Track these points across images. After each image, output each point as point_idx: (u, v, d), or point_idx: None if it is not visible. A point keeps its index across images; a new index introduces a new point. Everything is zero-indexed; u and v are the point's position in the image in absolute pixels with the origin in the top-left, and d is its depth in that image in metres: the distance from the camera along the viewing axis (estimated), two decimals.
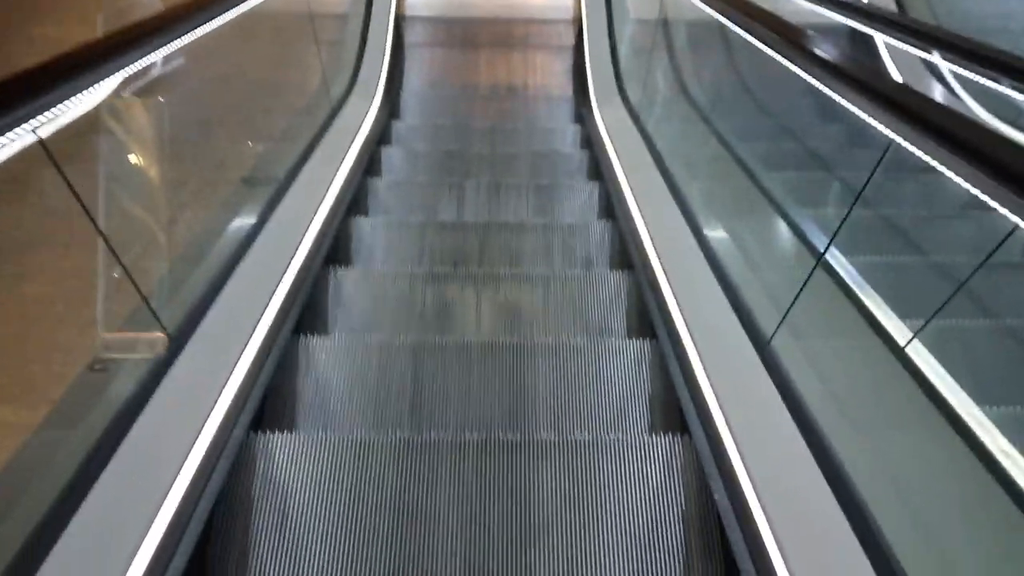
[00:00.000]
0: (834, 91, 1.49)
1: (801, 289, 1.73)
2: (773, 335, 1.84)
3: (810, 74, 1.59)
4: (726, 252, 2.38)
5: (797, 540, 1.51)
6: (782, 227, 2.37)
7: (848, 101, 1.42)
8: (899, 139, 1.23)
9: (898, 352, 1.59)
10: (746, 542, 1.61)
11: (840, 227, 1.65)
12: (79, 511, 1.44)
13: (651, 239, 2.75)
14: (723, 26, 2.38)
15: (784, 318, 1.75)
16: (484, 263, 3.12)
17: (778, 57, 1.79)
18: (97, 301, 1.80)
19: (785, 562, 1.46)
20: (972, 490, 1.36)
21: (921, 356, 1.55)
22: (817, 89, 1.54)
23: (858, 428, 1.62)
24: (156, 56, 1.78)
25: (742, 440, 1.74)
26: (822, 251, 1.83)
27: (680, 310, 2.30)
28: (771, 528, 1.55)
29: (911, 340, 1.53)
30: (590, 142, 4.28)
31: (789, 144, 3.25)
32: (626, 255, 2.97)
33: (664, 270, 2.54)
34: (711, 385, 1.95)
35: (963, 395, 1.45)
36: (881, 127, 1.30)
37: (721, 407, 1.87)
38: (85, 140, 1.90)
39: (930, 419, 1.55)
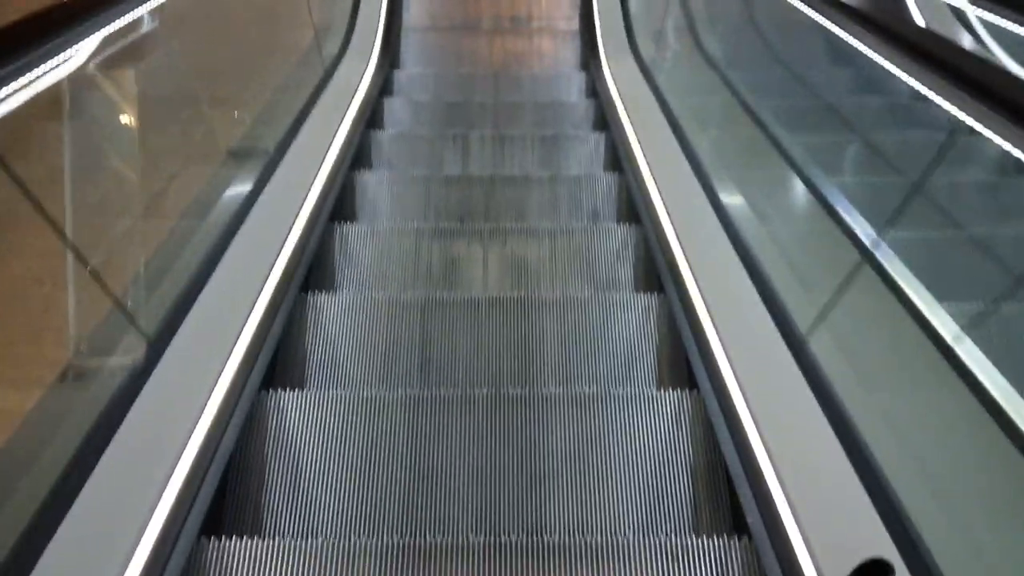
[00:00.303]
0: (857, 38, 1.44)
1: (844, 280, 1.68)
2: (814, 327, 1.80)
3: (829, 19, 1.54)
4: (751, 219, 2.30)
5: (805, 493, 1.52)
6: (801, 187, 2.31)
7: (872, 49, 1.38)
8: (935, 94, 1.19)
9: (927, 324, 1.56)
10: (753, 494, 1.63)
11: (890, 218, 1.59)
12: (93, 473, 1.45)
13: (665, 208, 2.67)
14: None
15: (825, 310, 1.71)
16: (490, 217, 3.10)
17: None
18: (69, 295, 1.70)
19: (793, 515, 1.48)
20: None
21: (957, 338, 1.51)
22: (848, 42, 1.49)
23: (873, 390, 1.62)
24: (130, 18, 1.66)
25: (751, 395, 1.74)
26: (846, 221, 1.77)
27: (692, 273, 2.27)
28: (779, 480, 1.56)
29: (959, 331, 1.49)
30: (602, 112, 4.01)
31: (814, 103, 3.12)
32: (634, 210, 2.94)
33: (675, 230, 2.50)
34: (720, 340, 1.95)
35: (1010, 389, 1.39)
36: (906, 76, 1.26)
37: (730, 362, 1.87)
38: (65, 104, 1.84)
39: (942, 373, 1.54)
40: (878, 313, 1.70)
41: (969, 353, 1.53)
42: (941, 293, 1.61)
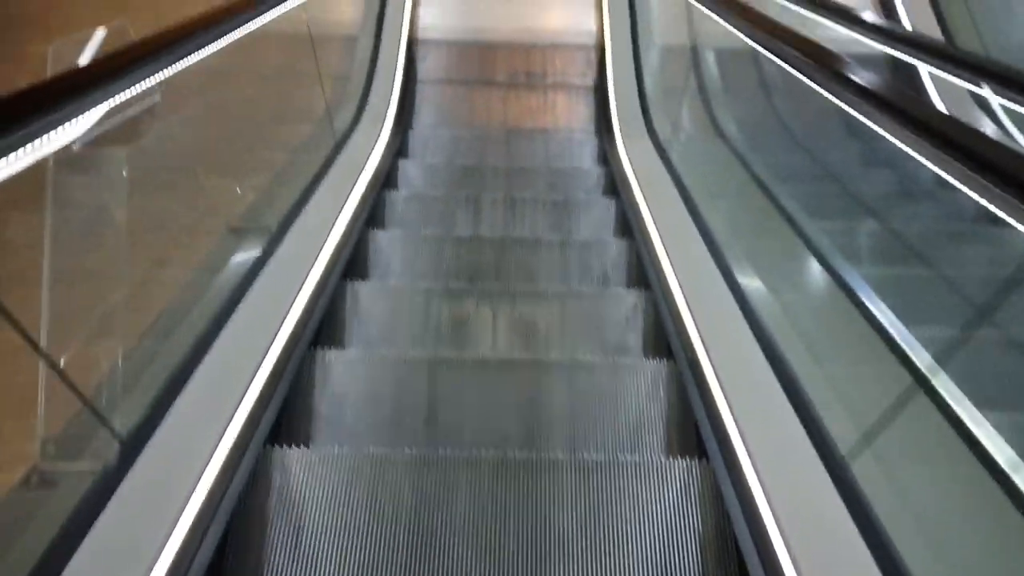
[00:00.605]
0: (889, 132, 1.44)
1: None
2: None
3: (854, 107, 1.56)
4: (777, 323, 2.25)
5: (815, 566, 1.49)
6: (815, 265, 2.30)
7: (903, 142, 1.38)
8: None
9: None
10: (763, 565, 1.60)
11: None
12: (93, 528, 1.44)
13: (676, 278, 2.65)
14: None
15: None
16: (500, 279, 3.12)
17: (823, 90, 1.74)
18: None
19: None
20: None
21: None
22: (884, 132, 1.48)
23: (887, 465, 1.60)
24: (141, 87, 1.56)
25: (762, 465, 1.72)
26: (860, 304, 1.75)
27: (703, 341, 2.25)
28: (789, 553, 1.53)
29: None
30: (625, 216, 3.70)
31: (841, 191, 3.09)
32: (643, 276, 2.95)
33: (687, 299, 2.49)
34: (730, 409, 1.94)
35: None
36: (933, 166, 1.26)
37: (740, 430, 1.86)
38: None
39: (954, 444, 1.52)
40: (889, 385, 1.69)
41: (980, 425, 1.51)
42: (947, 359, 1.60)
